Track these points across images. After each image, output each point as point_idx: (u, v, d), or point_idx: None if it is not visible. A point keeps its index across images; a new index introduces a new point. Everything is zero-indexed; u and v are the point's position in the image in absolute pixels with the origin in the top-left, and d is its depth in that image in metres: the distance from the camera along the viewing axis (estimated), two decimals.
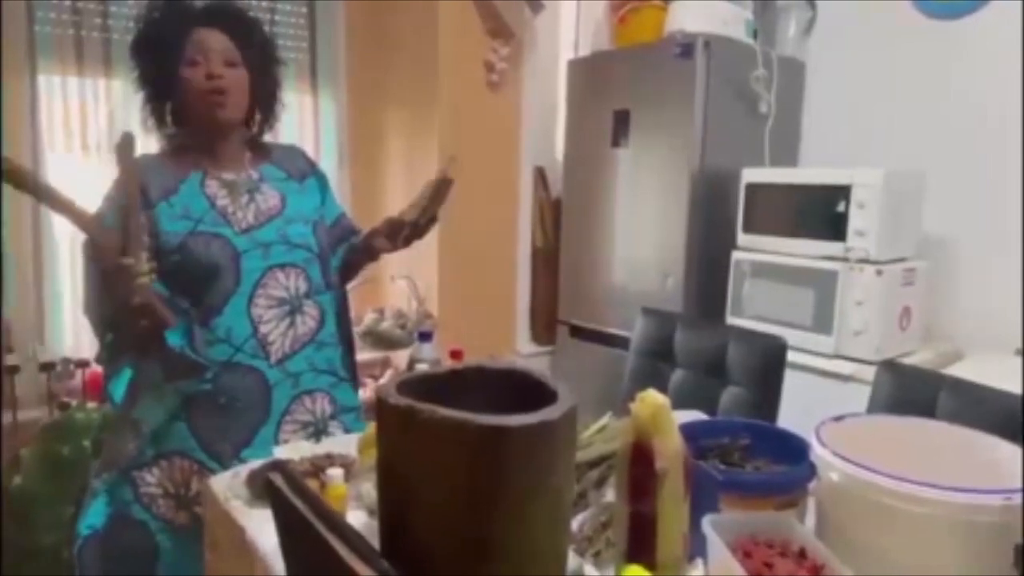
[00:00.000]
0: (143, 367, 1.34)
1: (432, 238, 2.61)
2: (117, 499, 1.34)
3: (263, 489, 0.98)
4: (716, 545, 0.85)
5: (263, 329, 1.36)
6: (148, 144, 2.39)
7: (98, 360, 1.34)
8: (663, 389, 1.14)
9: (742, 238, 2.43)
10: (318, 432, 1.43)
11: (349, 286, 1.62)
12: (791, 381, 1.74)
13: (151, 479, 1.33)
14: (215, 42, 1.36)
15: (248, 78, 1.40)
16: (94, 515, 1.35)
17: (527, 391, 0.84)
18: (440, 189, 1.44)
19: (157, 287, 1.29)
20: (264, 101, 1.47)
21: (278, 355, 1.38)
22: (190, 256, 1.31)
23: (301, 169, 1.54)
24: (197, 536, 1.26)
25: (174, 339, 1.27)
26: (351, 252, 1.58)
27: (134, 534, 1.33)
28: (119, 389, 1.37)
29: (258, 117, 1.49)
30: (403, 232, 1.47)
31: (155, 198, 1.33)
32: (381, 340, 2.75)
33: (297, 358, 1.40)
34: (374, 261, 1.59)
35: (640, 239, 2.66)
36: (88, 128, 2.39)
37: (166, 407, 1.33)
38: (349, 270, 1.59)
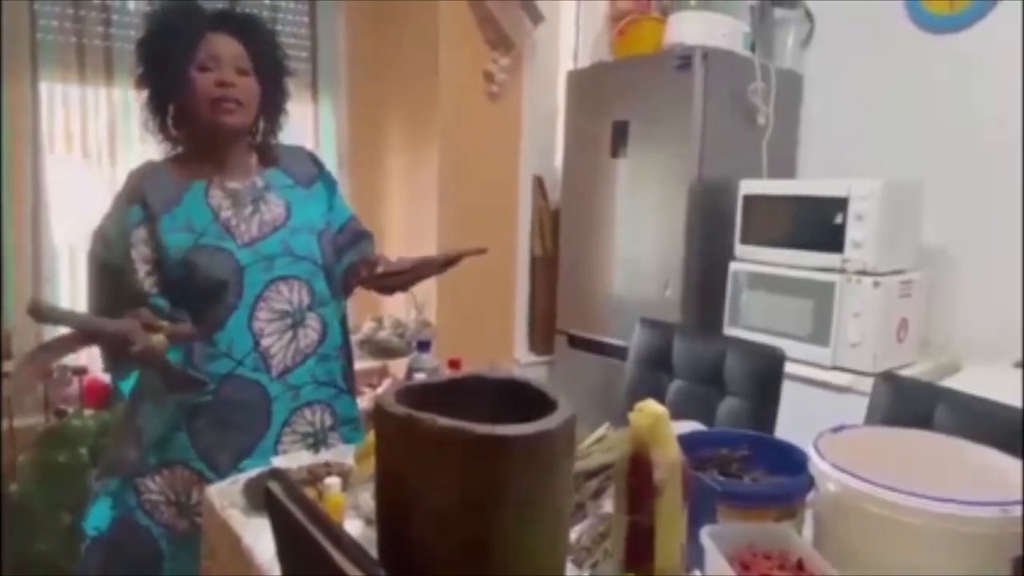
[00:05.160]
0: (146, 375, 1.34)
1: (431, 246, 2.63)
2: (121, 504, 1.34)
3: (260, 497, 0.98)
4: (714, 556, 0.85)
5: (264, 343, 1.34)
6: (146, 149, 2.43)
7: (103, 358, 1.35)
8: (661, 399, 1.14)
9: (740, 249, 2.43)
10: (317, 443, 1.42)
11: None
12: (788, 392, 1.74)
13: (153, 487, 1.33)
14: (228, 48, 1.33)
15: (259, 87, 1.37)
16: (99, 518, 1.34)
17: (526, 401, 0.84)
18: (436, 268, 1.48)
19: (158, 301, 1.29)
20: (270, 111, 1.44)
21: (279, 368, 1.36)
22: (194, 272, 1.29)
23: (308, 172, 1.50)
24: (199, 544, 1.25)
25: (174, 355, 1.26)
26: (350, 267, 1.53)
27: (138, 539, 1.33)
28: (127, 386, 1.38)
29: (262, 126, 1.45)
30: (368, 278, 1.50)
31: (158, 210, 1.31)
32: (379, 349, 2.75)
33: (299, 371, 1.38)
34: (359, 285, 1.57)
35: (638, 249, 2.66)
36: (88, 135, 2.40)
37: (167, 417, 1.32)
38: (347, 283, 1.55)
